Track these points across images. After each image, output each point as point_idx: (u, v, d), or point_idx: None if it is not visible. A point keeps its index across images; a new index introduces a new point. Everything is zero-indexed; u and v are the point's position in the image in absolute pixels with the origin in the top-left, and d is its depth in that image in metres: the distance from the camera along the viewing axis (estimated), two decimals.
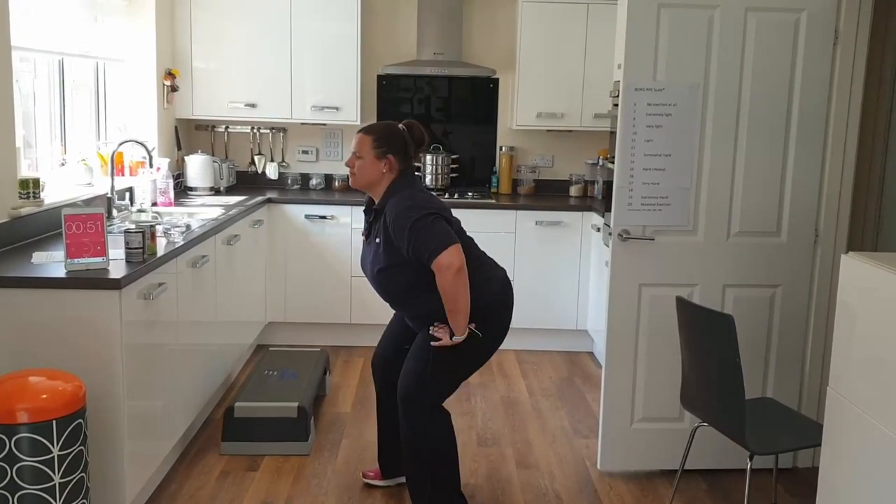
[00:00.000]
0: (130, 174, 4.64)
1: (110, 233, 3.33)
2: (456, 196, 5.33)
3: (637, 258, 3.44)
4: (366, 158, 2.97)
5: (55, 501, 2.49)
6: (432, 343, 2.94)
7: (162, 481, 3.41)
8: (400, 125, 3.05)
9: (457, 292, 2.82)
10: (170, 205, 4.62)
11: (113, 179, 4.16)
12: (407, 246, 2.85)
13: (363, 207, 3.17)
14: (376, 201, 3.02)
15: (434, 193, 3.08)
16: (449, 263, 2.79)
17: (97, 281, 2.77)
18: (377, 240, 2.97)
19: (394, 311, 3.30)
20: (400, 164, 2.98)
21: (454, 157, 5.66)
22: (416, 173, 3.08)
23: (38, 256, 3.03)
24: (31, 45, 3.84)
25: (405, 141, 3.01)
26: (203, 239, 3.74)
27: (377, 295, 3.11)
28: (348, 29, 5.25)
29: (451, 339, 2.90)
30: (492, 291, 3.03)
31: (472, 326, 2.92)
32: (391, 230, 2.89)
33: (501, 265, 3.19)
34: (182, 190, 5.25)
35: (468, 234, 3.11)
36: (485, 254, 3.13)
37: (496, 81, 5.69)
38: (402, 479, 3.40)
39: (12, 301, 2.77)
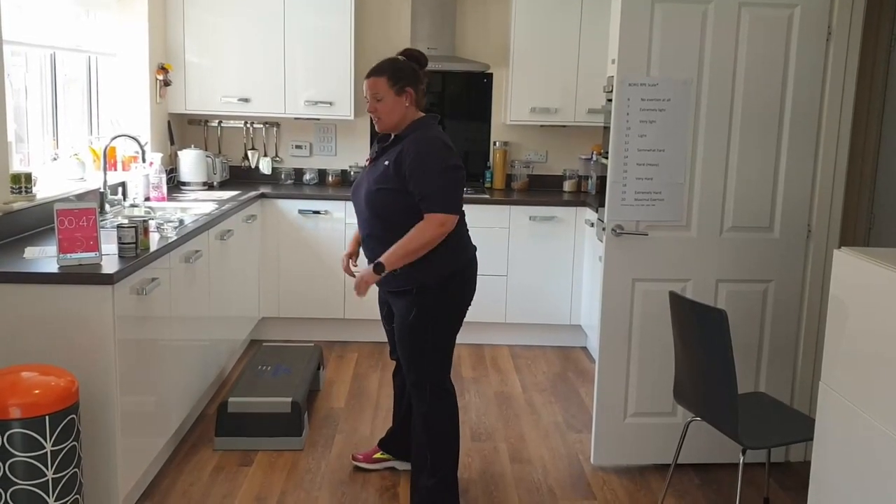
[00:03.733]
0: (123, 169, 4.62)
1: (103, 228, 3.33)
2: None
3: (630, 253, 3.44)
4: (387, 99, 2.98)
5: (48, 497, 2.49)
6: (354, 278, 3.00)
7: (155, 477, 3.41)
8: (399, 56, 3.07)
9: (423, 244, 2.90)
10: (163, 200, 4.60)
11: (105, 174, 4.14)
12: (419, 180, 2.88)
13: (378, 137, 3.15)
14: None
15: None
16: (443, 223, 2.88)
17: (90, 276, 2.76)
18: (385, 162, 2.98)
19: (382, 317, 3.34)
20: (417, 94, 3.02)
21: None
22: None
23: (30, 251, 3.01)
24: (23, 39, 3.82)
25: (414, 70, 3.04)
26: (196, 234, 3.73)
27: (370, 291, 3.09)
28: (341, 23, 5.24)
29: (372, 269, 2.92)
30: (468, 258, 3.11)
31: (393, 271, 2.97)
32: (409, 159, 2.90)
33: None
34: (175, 185, 5.24)
35: None
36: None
37: (490, 76, 5.69)
38: (391, 464, 3.51)
39: (4, 296, 2.75)
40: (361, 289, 2.95)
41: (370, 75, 3.01)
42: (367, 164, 3.16)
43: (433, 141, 2.96)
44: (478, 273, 3.18)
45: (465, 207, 3.16)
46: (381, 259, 2.91)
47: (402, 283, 3.01)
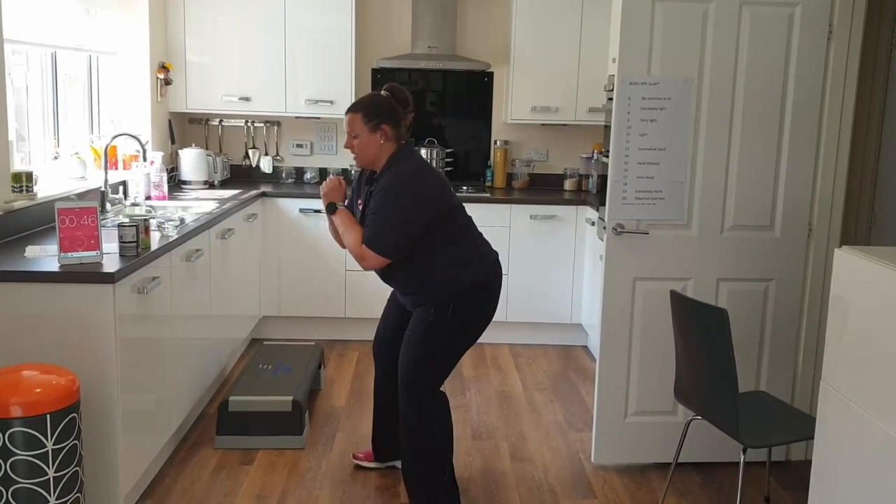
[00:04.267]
0: (124, 168, 4.62)
1: (104, 226, 3.33)
2: None
3: (631, 252, 3.44)
4: (361, 136, 3.01)
5: (49, 495, 2.49)
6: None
7: (156, 475, 3.41)
8: (382, 92, 3.09)
9: (344, 242, 3.05)
10: (164, 198, 4.60)
11: (106, 173, 4.15)
12: (374, 206, 2.93)
13: (365, 177, 3.17)
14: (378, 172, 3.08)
15: (433, 166, 3.11)
16: (363, 257, 2.94)
17: (91, 275, 2.77)
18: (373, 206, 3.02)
19: (390, 293, 3.36)
20: (394, 131, 3.03)
21: (448, 150, 5.65)
22: (412, 138, 3.17)
23: (31, 250, 3.02)
24: (24, 38, 3.82)
25: (392, 106, 3.05)
26: (197, 233, 3.73)
27: (371, 289, 3.12)
28: (342, 22, 5.24)
29: (327, 205, 3.09)
30: (485, 269, 3.10)
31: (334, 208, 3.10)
32: (377, 191, 2.95)
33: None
34: (176, 184, 5.24)
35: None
36: (481, 234, 3.18)
37: (490, 75, 5.68)
38: (393, 463, 3.47)
39: (5, 295, 2.76)
40: (325, 186, 3.11)
41: (348, 111, 3.06)
42: (359, 206, 3.14)
43: (403, 175, 2.97)
44: (500, 284, 3.14)
45: (466, 206, 3.17)
46: (339, 206, 3.06)
47: (417, 299, 3.05)
